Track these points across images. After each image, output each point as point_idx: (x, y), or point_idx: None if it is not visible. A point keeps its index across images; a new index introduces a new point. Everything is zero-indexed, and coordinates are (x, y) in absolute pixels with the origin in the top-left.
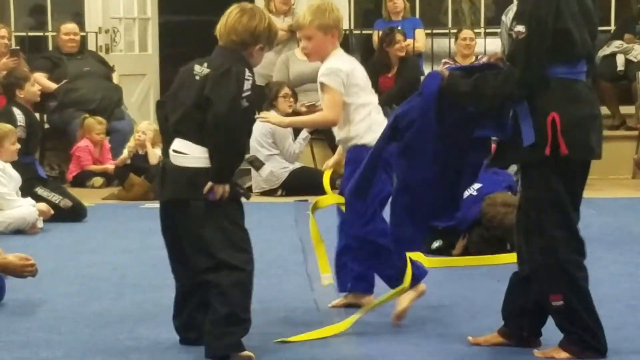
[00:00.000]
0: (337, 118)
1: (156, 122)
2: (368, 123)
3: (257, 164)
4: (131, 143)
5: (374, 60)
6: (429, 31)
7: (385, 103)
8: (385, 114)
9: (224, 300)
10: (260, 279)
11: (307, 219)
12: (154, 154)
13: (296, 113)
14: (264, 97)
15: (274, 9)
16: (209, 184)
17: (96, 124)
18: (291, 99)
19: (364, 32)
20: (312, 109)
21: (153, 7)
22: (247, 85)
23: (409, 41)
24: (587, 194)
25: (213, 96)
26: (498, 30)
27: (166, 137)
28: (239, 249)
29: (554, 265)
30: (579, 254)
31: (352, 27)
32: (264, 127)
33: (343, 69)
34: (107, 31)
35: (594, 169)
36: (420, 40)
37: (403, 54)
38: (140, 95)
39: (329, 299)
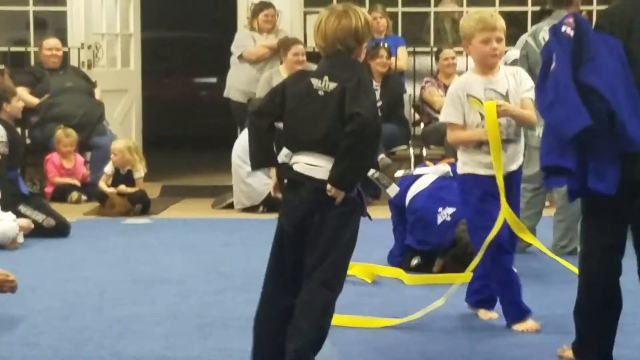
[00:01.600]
0: None
1: (127, 139)
2: None
3: (385, 182)
4: (110, 166)
5: None
6: (411, 49)
7: None
8: None
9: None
10: (240, 295)
11: None
12: (140, 179)
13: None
14: (246, 114)
15: (257, 26)
16: (336, 190)
17: (63, 136)
18: None
19: None
20: None
21: (135, 23)
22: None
23: (392, 59)
24: None
25: (359, 109)
26: None
27: (290, 149)
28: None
29: None
30: None
31: None
32: (247, 143)
33: None
34: (89, 47)
35: None
36: (402, 58)
37: (384, 70)
38: (123, 111)
39: None
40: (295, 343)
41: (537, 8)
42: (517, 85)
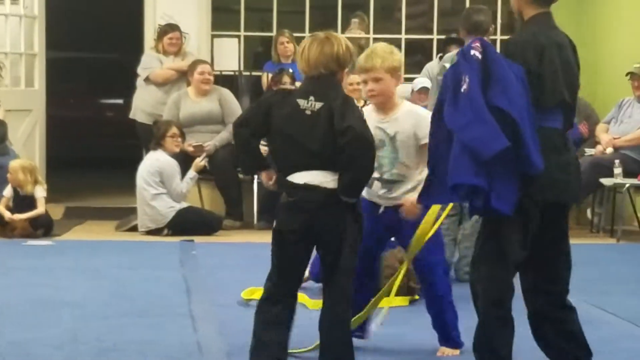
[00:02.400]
0: None
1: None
2: None
3: None
4: (9, 189)
5: None
6: None
7: None
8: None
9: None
10: (142, 319)
11: (193, 260)
12: (41, 201)
13: (183, 153)
14: (151, 136)
15: (162, 49)
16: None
17: None
18: (179, 139)
19: (253, 73)
20: (199, 149)
21: (40, 42)
22: None
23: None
24: None
25: (351, 122)
26: None
27: (285, 170)
28: None
29: None
30: None
31: (242, 68)
32: (152, 166)
33: None
34: None
35: None
36: None
37: None
38: (26, 131)
39: (212, 341)
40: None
41: (443, 36)
42: (416, 128)
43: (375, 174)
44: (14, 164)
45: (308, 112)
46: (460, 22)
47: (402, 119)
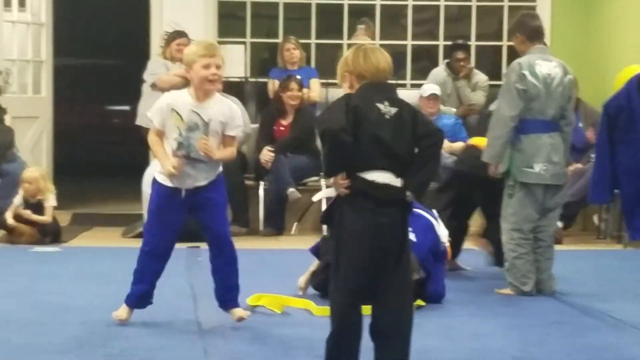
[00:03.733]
0: None
1: (38, 167)
2: None
3: None
4: (20, 197)
5: (269, 108)
6: (324, 81)
7: (280, 151)
8: (280, 161)
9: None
10: (149, 326)
11: (198, 266)
12: (49, 210)
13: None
14: None
15: (170, 55)
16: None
17: None
18: None
19: (259, 80)
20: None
21: (47, 49)
22: None
23: (305, 91)
24: None
25: (433, 127)
26: (392, 82)
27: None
28: None
29: None
30: None
31: (248, 75)
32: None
33: None
34: (0, 73)
35: None
36: (315, 89)
37: (296, 102)
38: (33, 138)
39: (217, 348)
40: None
41: (449, 42)
42: (229, 119)
43: (183, 152)
44: (33, 173)
45: (388, 117)
46: (514, 29)
47: (220, 107)
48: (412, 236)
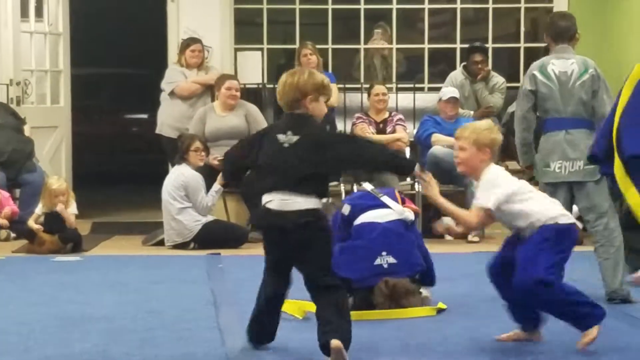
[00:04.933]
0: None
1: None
2: None
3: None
4: (40, 206)
5: None
6: (342, 86)
7: None
8: None
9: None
10: (171, 333)
11: (220, 273)
12: (71, 218)
13: (208, 166)
14: (176, 150)
15: (185, 63)
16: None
17: None
18: (202, 153)
19: (277, 86)
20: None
21: (65, 59)
22: None
23: None
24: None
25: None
26: (409, 86)
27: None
28: None
29: None
30: None
31: (266, 81)
32: (177, 180)
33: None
34: (18, 83)
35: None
36: (333, 95)
37: None
38: (52, 148)
39: (239, 354)
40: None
41: (466, 45)
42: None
43: None
44: (62, 185)
45: (286, 145)
46: (545, 30)
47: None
48: (391, 259)
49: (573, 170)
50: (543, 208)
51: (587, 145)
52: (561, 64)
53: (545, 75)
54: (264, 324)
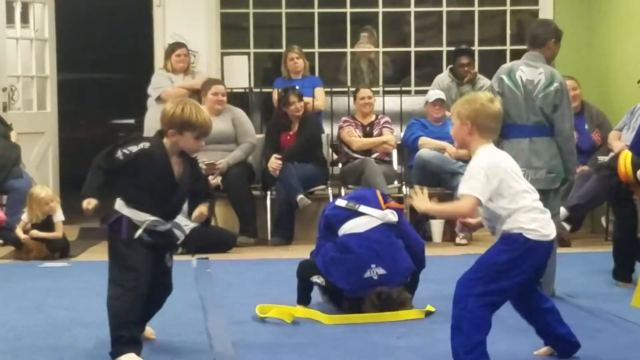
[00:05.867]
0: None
1: (44, 184)
2: None
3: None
4: (27, 215)
5: (275, 118)
6: (328, 89)
7: (287, 159)
8: (287, 168)
9: None
10: (159, 338)
11: (208, 277)
12: (59, 225)
13: None
14: None
15: (171, 68)
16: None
17: None
18: None
19: (263, 90)
20: (211, 167)
21: (51, 65)
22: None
23: (308, 99)
24: None
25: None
26: (396, 89)
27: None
28: None
29: None
30: None
31: (252, 85)
32: None
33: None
34: (4, 89)
35: None
36: (319, 98)
37: (299, 114)
38: (39, 154)
39: (228, 358)
40: None
41: (453, 48)
42: None
43: None
44: (48, 192)
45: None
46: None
47: None
48: (381, 270)
49: (535, 178)
50: (518, 212)
51: (550, 154)
52: (529, 72)
53: (512, 80)
54: None
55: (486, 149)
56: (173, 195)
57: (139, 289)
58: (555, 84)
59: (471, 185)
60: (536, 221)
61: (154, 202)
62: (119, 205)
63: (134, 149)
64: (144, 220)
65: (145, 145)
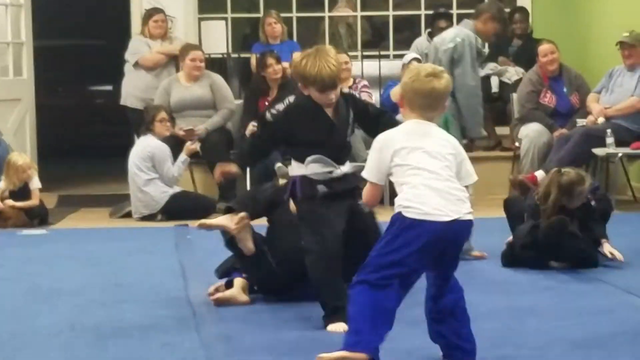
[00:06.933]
0: None
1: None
2: None
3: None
4: (4, 183)
5: (253, 84)
6: None
7: None
8: None
9: None
10: (140, 305)
11: (188, 244)
12: (36, 192)
13: (173, 136)
14: (142, 121)
15: (148, 33)
16: None
17: None
18: (168, 123)
19: (241, 55)
20: (190, 133)
21: (27, 31)
22: None
23: (286, 64)
24: None
25: None
26: (374, 53)
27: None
28: None
29: None
30: None
31: (230, 50)
32: (143, 151)
33: None
34: None
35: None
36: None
37: (277, 77)
38: (16, 121)
39: (209, 325)
40: None
41: (431, 12)
42: None
43: None
44: (26, 160)
45: None
46: None
47: None
48: None
49: None
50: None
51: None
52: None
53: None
54: None
55: (404, 124)
56: (334, 136)
57: (328, 251)
58: (458, 39)
59: (366, 169)
60: (419, 198)
61: (319, 150)
62: (292, 169)
63: (280, 107)
64: (315, 172)
65: (290, 99)
